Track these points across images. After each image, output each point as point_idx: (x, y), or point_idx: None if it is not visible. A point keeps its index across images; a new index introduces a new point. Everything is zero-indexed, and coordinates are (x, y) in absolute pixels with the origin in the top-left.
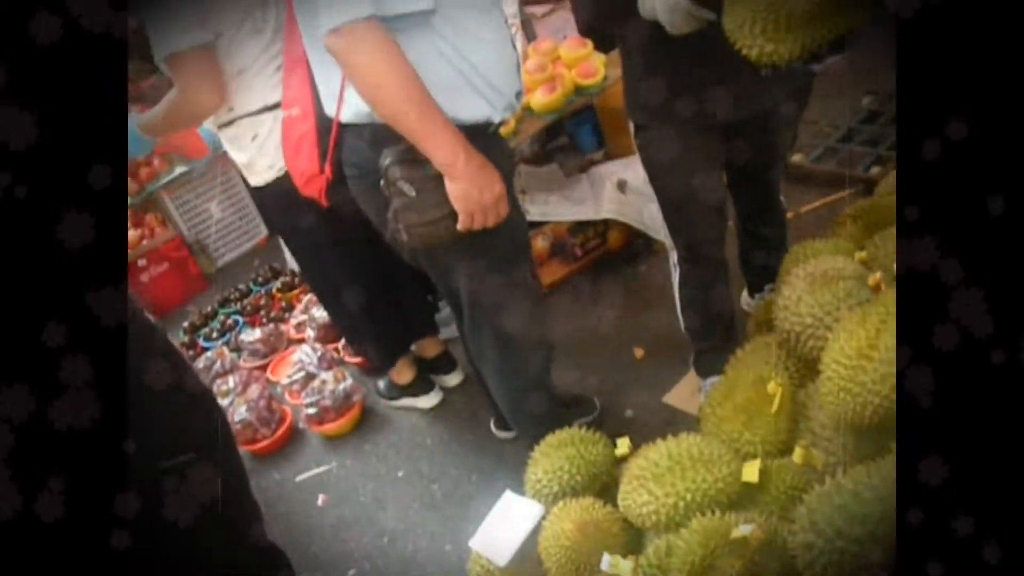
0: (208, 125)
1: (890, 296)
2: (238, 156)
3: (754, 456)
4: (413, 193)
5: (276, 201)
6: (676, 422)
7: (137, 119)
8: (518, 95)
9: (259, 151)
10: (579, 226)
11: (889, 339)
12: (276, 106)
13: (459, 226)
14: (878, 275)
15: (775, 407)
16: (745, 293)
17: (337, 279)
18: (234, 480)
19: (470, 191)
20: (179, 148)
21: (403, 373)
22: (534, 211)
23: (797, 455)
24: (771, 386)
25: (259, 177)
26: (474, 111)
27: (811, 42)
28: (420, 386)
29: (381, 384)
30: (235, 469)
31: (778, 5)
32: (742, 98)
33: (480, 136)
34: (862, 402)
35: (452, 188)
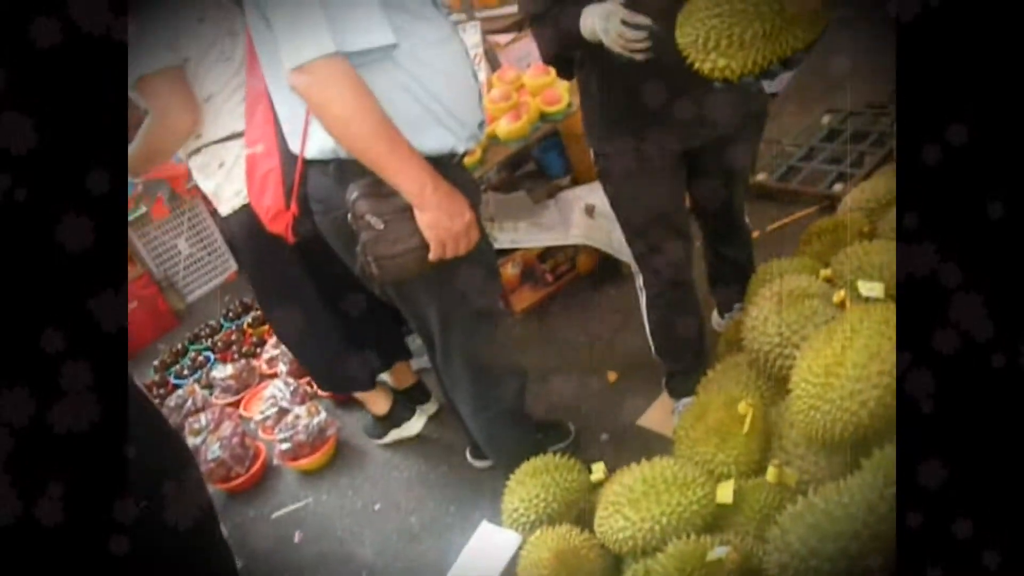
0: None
1: (855, 314)
2: (205, 185)
3: (728, 477)
4: (381, 226)
5: (242, 230)
6: (652, 445)
7: None
8: (481, 125)
9: (226, 178)
10: (549, 252)
11: (855, 356)
12: (243, 134)
13: (431, 256)
14: (842, 293)
15: (746, 427)
16: (715, 313)
17: (302, 310)
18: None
19: (440, 219)
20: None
21: (379, 403)
22: (503, 239)
23: (770, 474)
24: (742, 406)
25: (226, 205)
26: (438, 142)
27: (763, 59)
28: (401, 413)
29: (365, 424)
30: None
31: (730, 22)
32: (699, 124)
33: (445, 167)
34: (831, 419)
35: (422, 218)
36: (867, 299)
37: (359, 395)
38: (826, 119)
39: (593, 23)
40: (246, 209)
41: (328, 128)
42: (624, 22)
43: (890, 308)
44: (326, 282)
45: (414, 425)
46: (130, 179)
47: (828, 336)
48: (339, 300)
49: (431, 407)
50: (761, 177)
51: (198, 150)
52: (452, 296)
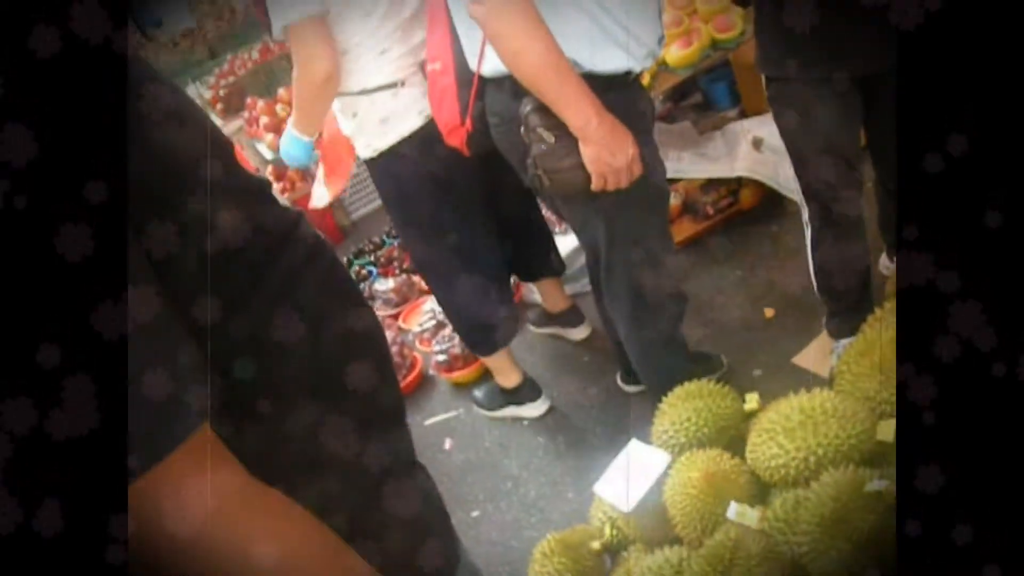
0: None
1: None
2: (345, 127)
3: (890, 416)
4: (552, 140)
5: (379, 176)
6: (806, 384)
7: (289, 123)
8: (660, 41)
9: (359, 129)
10: (711, 184)
11: None
12: (374, 90)
13: (592, 187)
14: None
15: None
16: (884, 256)
17: (443, 256)
18: None
19: (602, 154)
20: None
21: (510, 376)
22: (668, 168)
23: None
24: None
25: (362, 152)
26: (614, 62)
27: None
28: (527, 392)
29: (479, 393)
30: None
31: None
32: (874, 51)
33: (620, 87)
34: None
35: (585, 151)
36: None
37: (492, 362)
38: None
39: None
40: (378, 160)
41: (501, 57)
42: None
43: None
44: (471, 217)
45: (538, 407)
46: (308, 139)
47: None
48: (483, 234)
49: (584, 331)
50: None
51: (340, 95)
52: (619, 216)
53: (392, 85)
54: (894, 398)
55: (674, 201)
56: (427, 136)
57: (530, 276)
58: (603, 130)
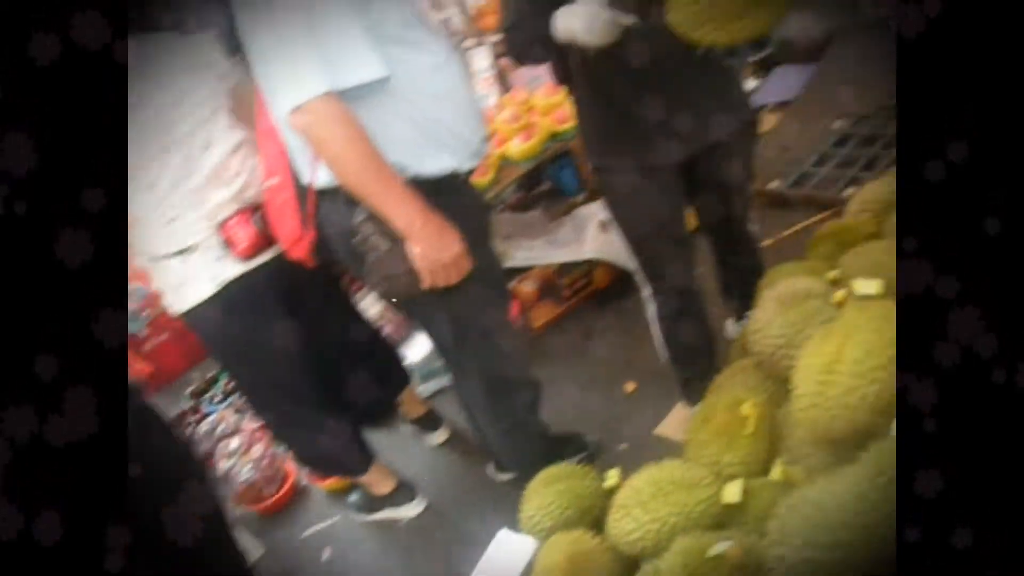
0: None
1: (852, 311)
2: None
3: (735, 477)
4: (385, 247)
5: (199, 326)
6: (670, 452)
7: None
8: (484, 140)
9: (161, 290)
10: (566, 267)
11: (852, 352)
12: (163, 257)
13: (422, 285)
14: (841, 293)
15: (751, 428)
16: (731, 321)
17: (282, 392)
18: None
19: (428, 252)
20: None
21: (383, 483)
22: (521, 256)
23: (776, 473)
24: (745, 407)
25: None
26: (439, 164)
27: (749, 31)
28: (402, 494)
29: (354, 498)
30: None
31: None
32: (691, 132)
33: (448, 187)
34: (831, 416)
35: (413, 250)
36: (865, 297)
37: (362, 479)
38: (837, 124)
39: (569, 24)
40: (185, 318)
41: (326, 164)
42: (607, 20)
43: (887, 304)
44: (307, 344)
45: (414, 508)
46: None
47: (827, 335)
48: (322, 355)
49: (443, 434)
50: (775, 184)
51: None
52: (461, 311)
53: (181, 252)
54: (736, 460)
55: (531, 287)
56: (240, 289)
57: (379, 403)
58: (428, 230)
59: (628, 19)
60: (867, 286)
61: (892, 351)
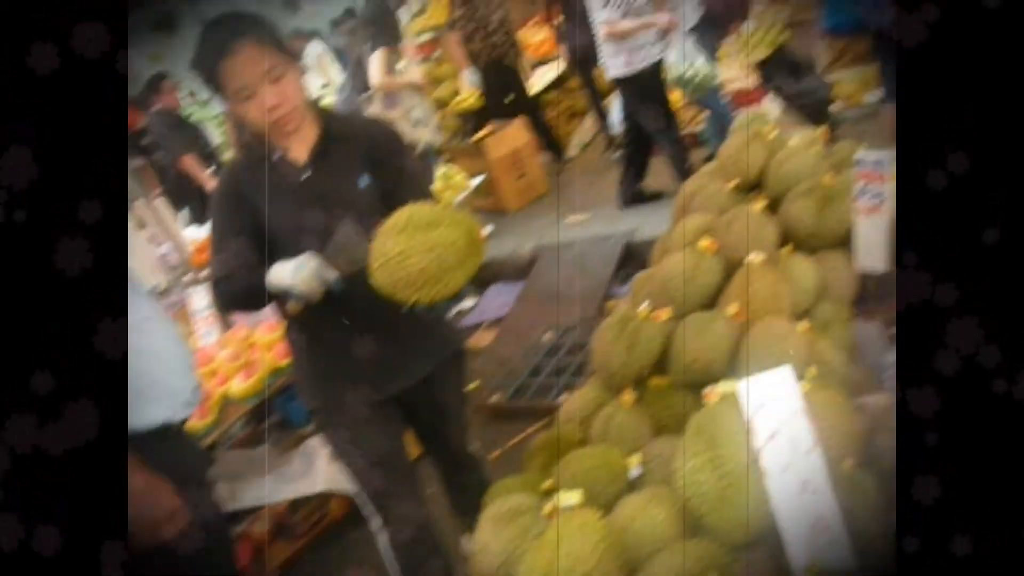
0: None
1: (562, 523)
2: None
3: None
4: None
5: None
6: None
7: None
8: (196, 389)
9: None
10: (298, 503)
11: (564, 563)
12: None
13: (135, 540)
14: (550, 506)
15: None
16: (466, 536)
17: None
18: None
19: (142, 512)
20: None
21: None
22: (251, 497)
23: None
24: None
25: None
26: (150, 418)
27: (447, 290)
28: None
29: None
30: None
31: (424, 261)
32: (402, 369)
33: (162, 439)
34: None
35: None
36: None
37: None
38: (546, 336)
39: (284, 277)
40: None
41: None
42: (315, 273)
43: (589, 512)
44: None
45: None
46: None
47: (538, 549)
48: None
49: None
50: (495, 398)
51: None
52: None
53: None
54: None
55: (263, 528)
56: None
57: None
58: (137, 485)
59: (333, 274)
60: (570, 497)
61: (599, 554)
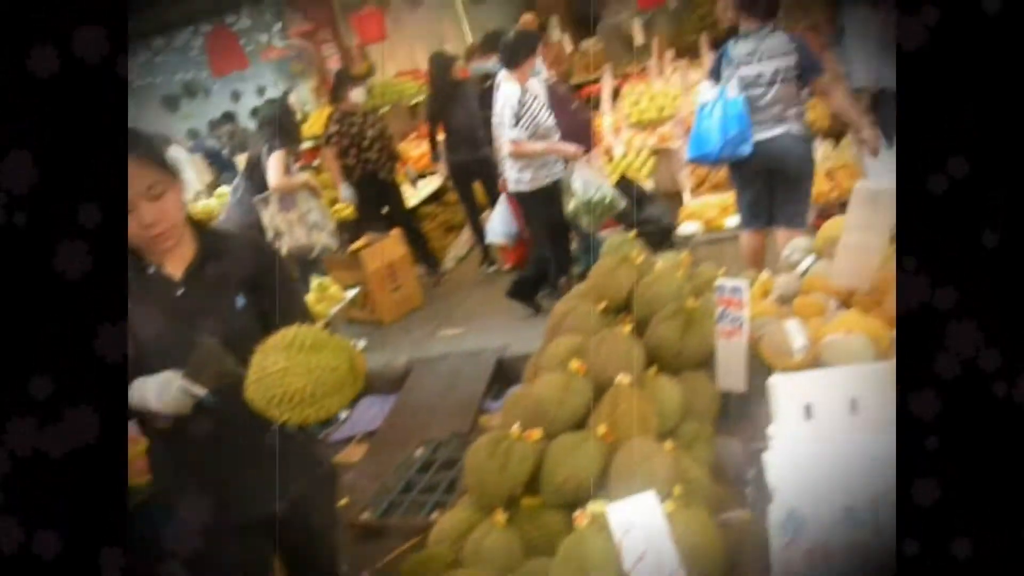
0: None
1: None
2: None
3: None
4: None
5: None
6: None
7: None
8: None
9: None
10: None
11: None
12: None
13: None
14: None
15: None
16: None
17: None
18: None
19: None
20: None
21: None
22: None
23: None
24: None
25: None
26: None
27: (323, 413)
28: None
29: None
30: None
31: (298, 383)
32: (268, 493)
33: None
34: None
35: None
36: None
37: None
38: (419, 451)
39: (146, 394)
40: None
41: None
42: (182, 392)
43: None
44: None
45: None
46: None
47: None
48: None
49: None
50: (365, 516)
51: None
52: None
53: None
54: None
55: None
56: None
57: None
58: None
59: (201, 390)
60: None
61: None
